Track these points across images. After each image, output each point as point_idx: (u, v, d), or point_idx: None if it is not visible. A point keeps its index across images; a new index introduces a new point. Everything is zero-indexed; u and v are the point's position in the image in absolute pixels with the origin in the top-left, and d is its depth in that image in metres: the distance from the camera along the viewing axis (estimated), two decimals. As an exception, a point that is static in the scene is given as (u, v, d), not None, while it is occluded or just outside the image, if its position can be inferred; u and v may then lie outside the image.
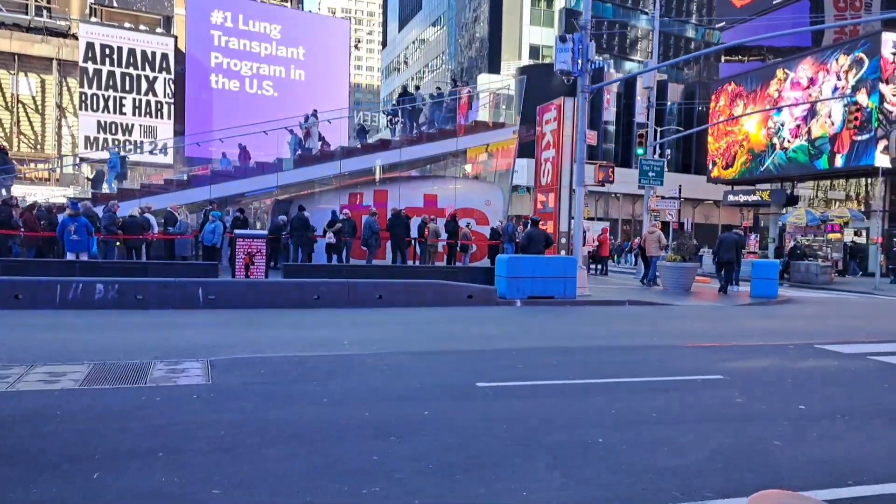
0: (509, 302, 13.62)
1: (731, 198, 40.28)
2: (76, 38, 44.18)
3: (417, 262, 19.75)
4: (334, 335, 9.58)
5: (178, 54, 45.97)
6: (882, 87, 29.81)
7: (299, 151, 22.27)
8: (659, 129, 39.25)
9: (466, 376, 6.90)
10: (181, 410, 5.32)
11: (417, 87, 28.47)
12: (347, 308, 12.37)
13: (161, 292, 11.44)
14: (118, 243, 15.67)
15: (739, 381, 7.16)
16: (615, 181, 50.79)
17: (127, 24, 45.81)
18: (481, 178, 24.35)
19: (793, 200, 36.08)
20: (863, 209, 33.12)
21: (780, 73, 35.43)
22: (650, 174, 21.28)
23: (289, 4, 52.57)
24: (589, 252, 21.96)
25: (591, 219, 50.31)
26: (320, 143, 22.44)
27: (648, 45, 73.55)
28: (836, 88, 31.93)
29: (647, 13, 72.72)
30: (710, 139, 40.83)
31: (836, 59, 31.95)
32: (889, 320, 14.82)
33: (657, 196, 21.64)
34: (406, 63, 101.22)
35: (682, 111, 56.47)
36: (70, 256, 13.93)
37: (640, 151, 22.55)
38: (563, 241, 17.50)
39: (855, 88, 30.96)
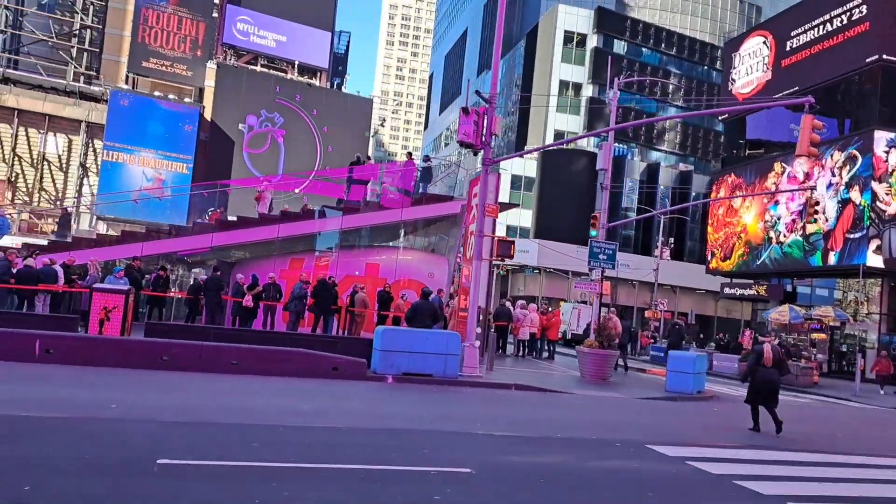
0: (380, 377, 12.87)
1: (727, 290, 38.62)
2: (106, 103, 46.50)
3: (346, 333, 19.17)
4: (122, 398, 9.01)
5: (204, 122, 47.96)
6: (874, 184, 28.65)
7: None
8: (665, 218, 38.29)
9: (158, 451, 6.29)
10: None
11: (370, 158, 28.89)
12: (198, 372, 11.86)
13: None
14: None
15: (482, 476, 6.38)
16: (632, 267, 49.10)
17: (157, 93, 48.13)
18: (436, 251, 23.88)
19: (790, 297, 34.36)
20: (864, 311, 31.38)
21: (777, 166, 34.56)
22: (601, 256, 20.56)
23: (316, 82, 54.49)
24: (532, 334, 21.03)
25: (607, 306, 48.69)
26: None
27: (676, 137, 73.63)
28: (830, 184, 30.86)
29: (676, 106, 73.06)
30: (709, 229, 39.67)
31: (831, 156, 30.94)
32: (804, 426, 13.50)
33: (596, 280, 20.83)
34: (445, 145, 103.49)
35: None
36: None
37: (593, 233, 21.88)
38: (482, 318, 16.86)
39: (848, 185, 29.87)
